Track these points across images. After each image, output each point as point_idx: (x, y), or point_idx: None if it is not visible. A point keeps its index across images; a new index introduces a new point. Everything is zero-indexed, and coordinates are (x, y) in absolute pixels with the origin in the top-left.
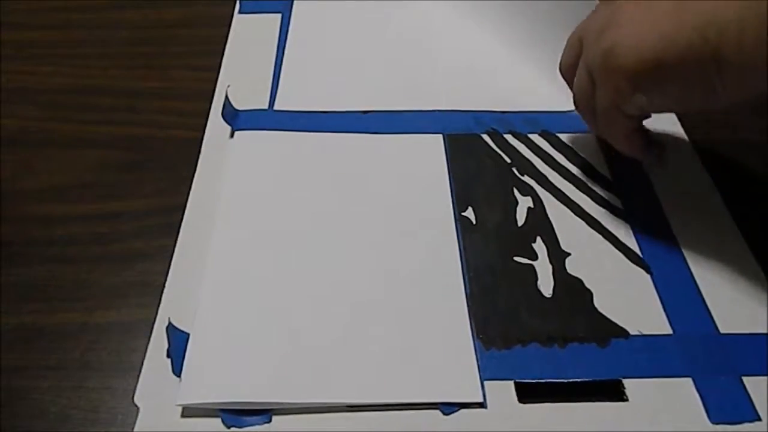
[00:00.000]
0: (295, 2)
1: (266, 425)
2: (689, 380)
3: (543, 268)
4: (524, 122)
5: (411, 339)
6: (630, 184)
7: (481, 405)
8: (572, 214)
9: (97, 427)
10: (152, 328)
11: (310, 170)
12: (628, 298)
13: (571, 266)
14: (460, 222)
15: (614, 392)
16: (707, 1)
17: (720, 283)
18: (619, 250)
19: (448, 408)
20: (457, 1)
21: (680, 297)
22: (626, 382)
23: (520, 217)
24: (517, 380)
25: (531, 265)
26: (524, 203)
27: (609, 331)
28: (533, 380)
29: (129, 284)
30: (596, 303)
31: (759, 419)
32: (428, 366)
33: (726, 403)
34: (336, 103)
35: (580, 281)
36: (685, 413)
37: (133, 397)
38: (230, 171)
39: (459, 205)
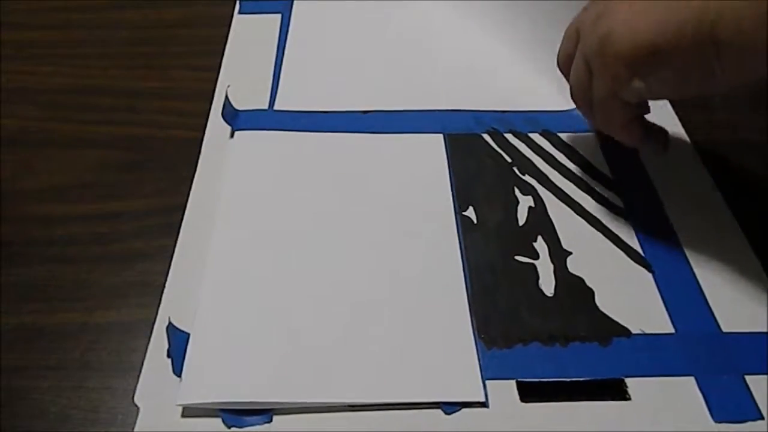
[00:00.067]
0: (295, 2)
1: (267, 425)
2: (692, 379)
3: (544, 267)
4: (525, 122)
5: (412, 338)
6: (631, 183)
7: (483, 404)
8: (573, 213)
9: (97, 427)
10: (152, 328)
11: (310, 170)
12: (630, 297)
13: (573, 265)
14: (461, 221)
15: (616, 391)
16: None
17: (722, 282)
18: (621, 249)
19: (450, 407)
20: (457, 1)
21: (682, 296)
22: (628, 381)
23: (521, 217)
24: (518, 379)
25: (532, 264)
26: (525, 202)
27: (611, 330)
28: (535, 379)
29: (129, 284)
30: (598, 302)
31: (762, 418)
32: (430, 365)
33: (729, 402)
34: (336, 103)
35: (582, 280)
36: (687, 412)
37: (133, 397)
38: (230, 171)
39: (460, 205)
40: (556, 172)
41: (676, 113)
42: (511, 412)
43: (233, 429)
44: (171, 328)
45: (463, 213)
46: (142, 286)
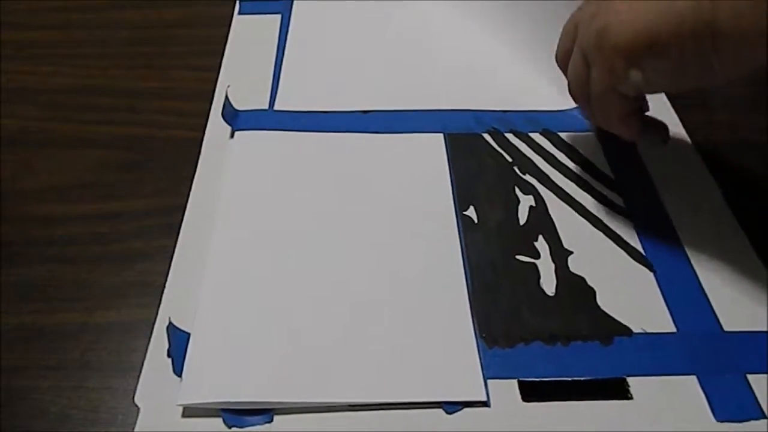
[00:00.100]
0: (294, 2)
1: (268, 425)
2: (693, 378)
3: (545, 266)
4: (525, 121)
5: (413, 338)
6: (632, 183)
7: (485, 404)
8: (574, 212)
9: (97, 427)
10: (152, 328)
11: (310, 170)
12: (632, 297)
13: (574, 264)
14: (462, 221)
15: (618, 390)
16: None
17: (723, 282)
18: (622, 249)
19: (452, 407)
20: (457, 1)
21: (684, 295)
22: (630, 380)
23: (522, 216)
24: (520, 379)
25: (533, 263)
26: (526, 202)
27: (612, 330)
28: (536, 379)
29: (129, 284)
30: (599, 301)
31: (764, 417)
32: (431, 365)
33: (731, 401)
34: (336, 103)
35: (583, 279)
36: (689, 411)
37: (133, 397)
38: (230, 171)
39: (460, 204)
40: (556, 172)
41: (677, 113)
42: (512, 412)
43: (234, 429)
44: (171, 328)
45: (464, 212)
46: (142, 286)
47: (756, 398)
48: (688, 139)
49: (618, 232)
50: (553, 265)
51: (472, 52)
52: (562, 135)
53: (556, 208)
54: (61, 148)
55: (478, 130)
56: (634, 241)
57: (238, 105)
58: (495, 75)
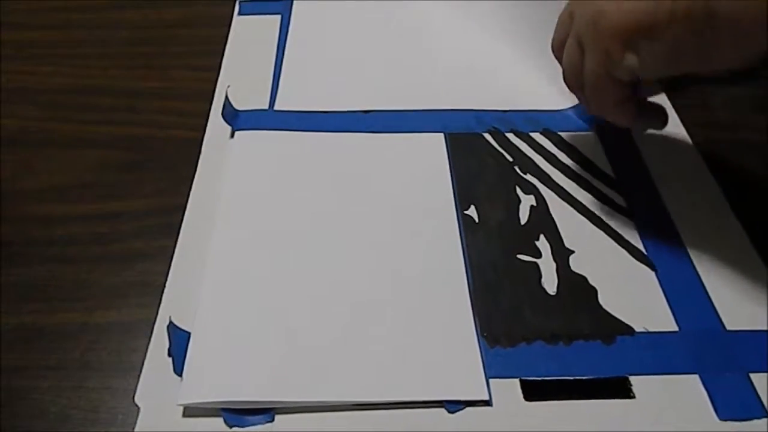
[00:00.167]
0: (294, 2)
1: (269, 424)
2: (696, 377)
3: (547, 265)
4: (525, 121)
5: (415, 337)
6: (633, 182)
7: (487, 403)
8: (575, 211)
9: (97, 427)
10: (152, 328)
11: (310, 170)
12: (633, 296)
13: (575, 264)
14: (463, 220)
15: (621, 389)
16: None
17: (725, 280)
18: (623, 248)
19: (454, 406)
20: (457, 1)
21: (685, 294)
22: (632, 379)
23: (523, 215)
24: (522, 378)
25: (535, 262)
26: (527, 201)
27: (614, 329)
28: (539, 378)
29: (129, 284)
30: (601, 300)
31: (767, 415)
32: (433, 364)
33: (733, 399)
34: (336, 103)
35: (585, 279)
36: (692, 410)
37: (133, 396)
38: (231, 171)
39: (461, 204)
40: (557, 171)
41: (677, 113)
42: (515, 411)
43: (235, 429)
44: (172, 328)
45: (465, 212)
46: (142, 286)
47: (758, 397)
48: (689, 139)
49: (619, 231)
50: (554, 265)
51: (472, 51)
52: (563, 134)
53: (557, 207)
54: (61, 148)
55: (479, 129)
56: (636, 240)
57: (238, 105)
58: (495, 75)
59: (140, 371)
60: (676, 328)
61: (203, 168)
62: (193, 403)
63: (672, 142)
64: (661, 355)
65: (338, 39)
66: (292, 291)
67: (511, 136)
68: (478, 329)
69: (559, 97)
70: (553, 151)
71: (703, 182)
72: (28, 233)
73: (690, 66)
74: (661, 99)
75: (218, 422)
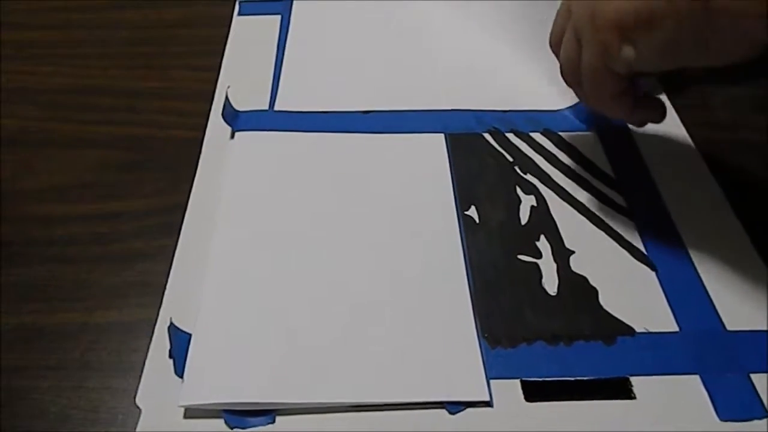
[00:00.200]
0: (294, 2)
1: (270, 426)
2: (697, 377)
3: (547, 266)
4: (526, 121)
5: (415, 338)
6: (633, 182)
7: (488, 404)
8: (576, 212)
9: (97, 427)
10: (153, 328)
11: (310, 170)
12: (634, 296)
13: (576, 264)
14: (463, 221)
15: (622, 390)
16: None
17: (725, 281)
18: (624, 248)
19: (454, 407)
20: (457, 1)
21: (686, 294)
22: (633, 379)
23: (524, 216)
24: (523, 379)
25: (535, 263)
26: (527, 201)
27: (615, 329)
28: (539, 379)
29: (129, 284)
30: (601, 301)
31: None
32: (434, 365)
33: (734, 400)
34: (337, 104)
35: (585, 279)
36: (693, 410)
37: (134, 397)
38: (231, 171)
39: (462, 204)
40: (558, 171)
41: (677, 113)
42: (515, 412)
43: (236, 430)
44: (172, 329)
45: (465, 212)
46: (142, 286)
47: (759, 397)
48: (689, 139)
49: (619, 231)
50: (554, 265)
51: (472, 52)
52: (563, 134)
53: (558, 207)
54: (61, 148)
55: (479, 129)
56: (636, 241)
57: (238, 105)
58: (495, 75)
59: (140, 371)
60: (677, 329)
61: (203, 168)
62: (194, 405)
63: (672, 142)
64: (662, 355)
65: (338, 39)
66: (293, 292)
67: (511, 136)
68: (479, 330)
69: (559, 97)
70: (553, 151)
71: (703, 182)
72: (28, 233)
73: (687, 60)
74: (662, 99)
75: (219, 423)
